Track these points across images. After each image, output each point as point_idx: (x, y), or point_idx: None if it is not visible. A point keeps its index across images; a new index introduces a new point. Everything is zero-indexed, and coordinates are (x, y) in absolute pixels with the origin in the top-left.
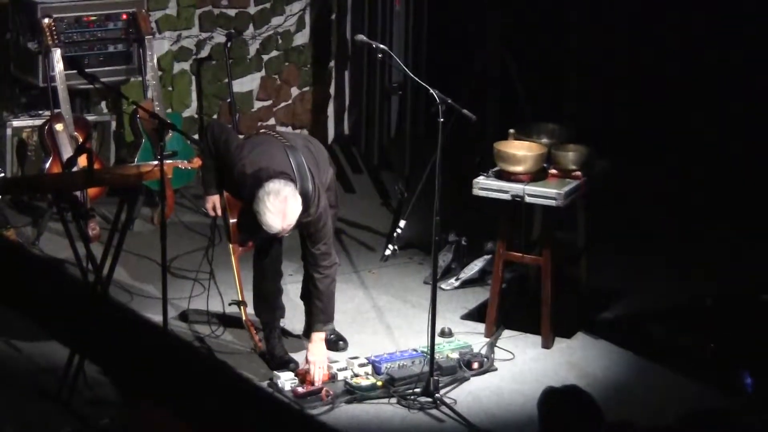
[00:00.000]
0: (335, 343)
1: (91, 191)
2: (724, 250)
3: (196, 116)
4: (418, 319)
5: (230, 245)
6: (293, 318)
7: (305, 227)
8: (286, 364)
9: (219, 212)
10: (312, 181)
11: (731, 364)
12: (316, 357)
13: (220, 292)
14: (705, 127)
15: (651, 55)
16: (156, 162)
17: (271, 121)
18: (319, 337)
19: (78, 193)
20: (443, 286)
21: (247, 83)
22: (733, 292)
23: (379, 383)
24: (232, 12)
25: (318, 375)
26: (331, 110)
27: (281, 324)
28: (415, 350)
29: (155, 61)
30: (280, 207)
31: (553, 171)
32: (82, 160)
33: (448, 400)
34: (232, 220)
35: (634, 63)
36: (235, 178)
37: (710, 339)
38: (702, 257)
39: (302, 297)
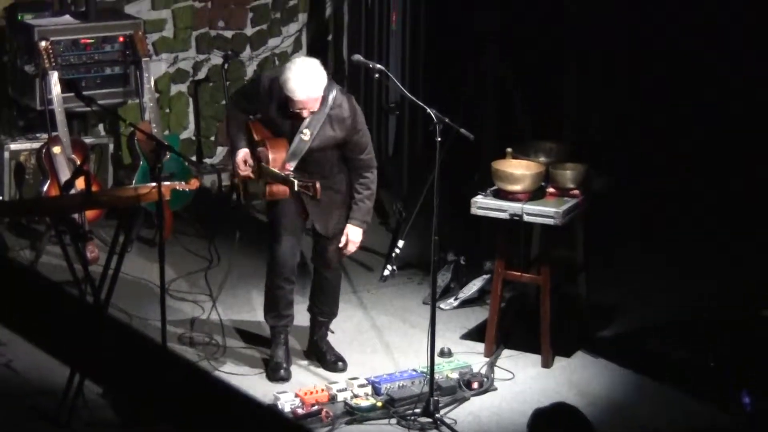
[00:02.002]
0: (334, 363)
1: (89, 213)
2: (723, 266)
3: (193, 138)
4: (417, 339)
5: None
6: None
7: (348, 132)
8: (277, 369)
9: (250, 162)
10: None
11: (731, 383)
12: (353, 236)
13: (219, 313)
14: (704, 145)
15: (649, 72)
16: (154, 184)
17: None
18: (356, 225)
19: (76, 216)
20: (442, 305)
21: None
22: (734, 308)
23: (379, 404)
24: (228, 34)
25: (351, 248)
26: None
27: (288, 331)
28: (414, 370)
29: (152, 83)
30: (306, 71)
31: (551, 189)
32: (80, 183)
33: (448, 421)
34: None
35: (632, 81)
36: (265, 96)
37: (710, 357)
38: (702, 274)
39: (309, 309)
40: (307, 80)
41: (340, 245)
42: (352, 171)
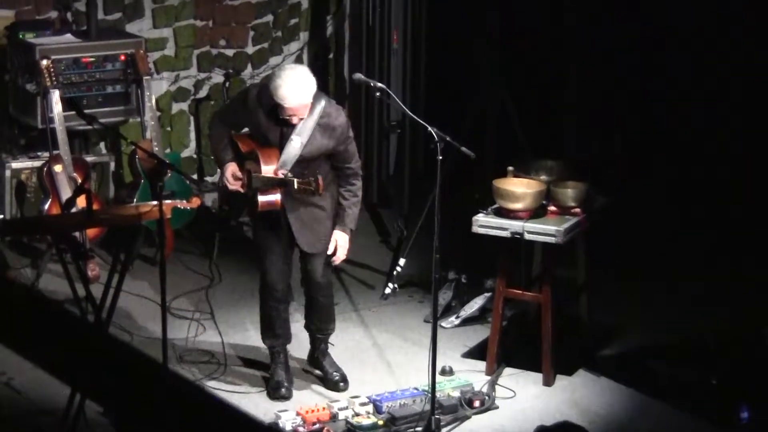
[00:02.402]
0: (336, 384)
1: (90, 232)
2: (725, 285)
3: (194, 156)
4: (418, 357)
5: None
6: (299, 347)
7: (337, 141)
8: (278, 388)
9: (239, 175)
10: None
11: (732, 399)
12: (342, 241)
13: (220, 331)
14: (705, 164)
15: (650, 91)
16: (155, 202)
17: None
18: (344, 231)
19: (77, 234)
20: (444, 324)
21: None
22: (735, 326)
23: (381, 422)
24: (230, 52)
25: (341, 254)
26: None
27: (287, 350)
28: (416, 389)
29: (153, 101)
30: (296, 78)
31: (553, 208)
32: (81, 201)
33: None
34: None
35: (633, 100)
36: (254, 106)
37: (712, 374)
38: (703, 292)
39: (306, 327)
40: (297, 87)
41: (329, 252)
42: (339, 179)
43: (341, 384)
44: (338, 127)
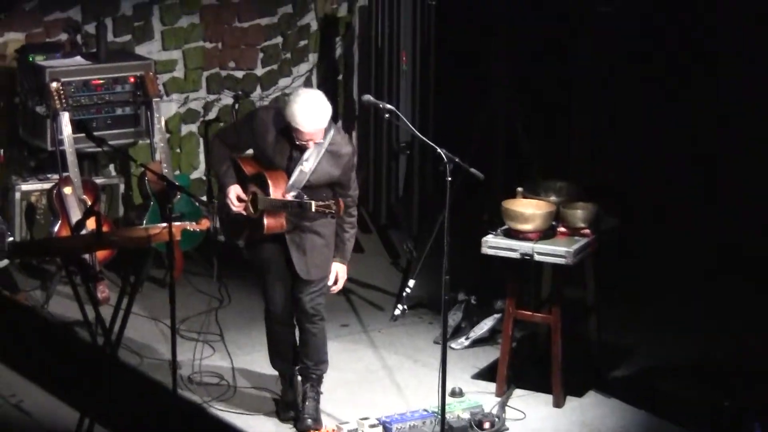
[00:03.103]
0: (303, 421)
1: (100, 254)
2: (735, 304)
3: (204, 178)
4: (428, 378)
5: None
6: None
7: (343, 169)
8: (288, 410)
9: (244, 197)
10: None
11: (745, 420)
12: (342, 273)
13: (230, 353)
14: (714, 182)
15: (659, 111)
16: (164, 224)
17: None
18: (343, 263)
19: (87, 256)
20: (453, 345)
21: None
22: (745, 345)
23: None
24: (239, 74)
25: (341, 285)
26: None
27: (296, 372)
28: (425, 410)
29: (163, 123)
30: (313, 103)
31: (562, 229)
32: (91, 223)
33: None
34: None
35: (643, 121)
36: (261, 129)
37: (724, 395)
38: (715, 312)
39: (298, 367)
40: (314, 112)
41: (330, 283)
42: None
43: (309, 422)
44: (345, 155)
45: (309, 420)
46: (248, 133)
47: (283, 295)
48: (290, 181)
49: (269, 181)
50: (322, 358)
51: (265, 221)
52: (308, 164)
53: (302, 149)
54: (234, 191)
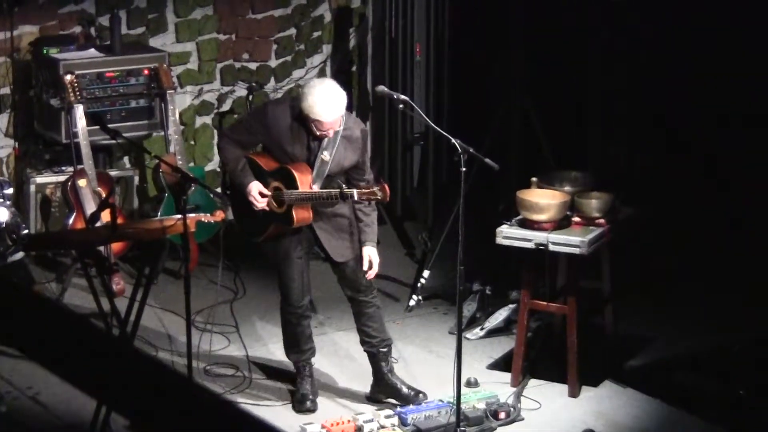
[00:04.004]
0: (416, 395)
1: (115, 246)
2: (752, 295)
3: (218, 170)
4: (443, 369)
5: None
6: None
7: (360, 152)
8: (303, 401)
9: (266, 193)
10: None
11: (760, 410)
12: (375, 257)
13: (245, 344)
14: (731, 173)
15: (674, 102)
16: (179, 216)
17: None
18: (373, 246)
19: (102, 248)
20: (468, 335)
21: None
22: (762, 336)
23: None
24: (253, 65)
25: (376, 269)
26: None
27: (312, 363)
28: (441, 401)
29: (177, 115)
30: (329, 93)
31: (577, 219)
32: (106, 215)
33: None
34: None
35: (658, 110)
36: (274, 123)
37: (740, 386)
38: (729, 303)
39: (364, 346)
40: (332, 101)
41: (365, 268)
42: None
43: (421, 396)
44: (358, 138)
45: (420, 395)
46: (260, 129)
47: (301, 286)
48: (314, 171)
49: (296, 174)
50: (385, 327)
51: (294, 215)
52: (327, 153)
53: (320, 139)
54: (255, 188)
